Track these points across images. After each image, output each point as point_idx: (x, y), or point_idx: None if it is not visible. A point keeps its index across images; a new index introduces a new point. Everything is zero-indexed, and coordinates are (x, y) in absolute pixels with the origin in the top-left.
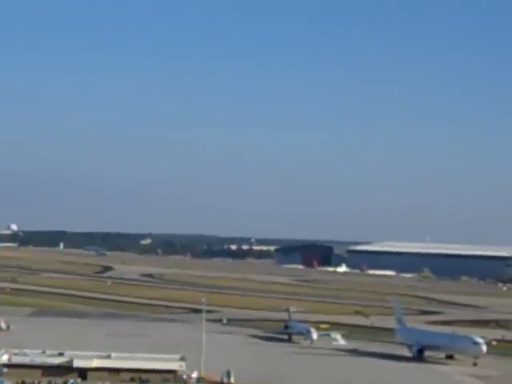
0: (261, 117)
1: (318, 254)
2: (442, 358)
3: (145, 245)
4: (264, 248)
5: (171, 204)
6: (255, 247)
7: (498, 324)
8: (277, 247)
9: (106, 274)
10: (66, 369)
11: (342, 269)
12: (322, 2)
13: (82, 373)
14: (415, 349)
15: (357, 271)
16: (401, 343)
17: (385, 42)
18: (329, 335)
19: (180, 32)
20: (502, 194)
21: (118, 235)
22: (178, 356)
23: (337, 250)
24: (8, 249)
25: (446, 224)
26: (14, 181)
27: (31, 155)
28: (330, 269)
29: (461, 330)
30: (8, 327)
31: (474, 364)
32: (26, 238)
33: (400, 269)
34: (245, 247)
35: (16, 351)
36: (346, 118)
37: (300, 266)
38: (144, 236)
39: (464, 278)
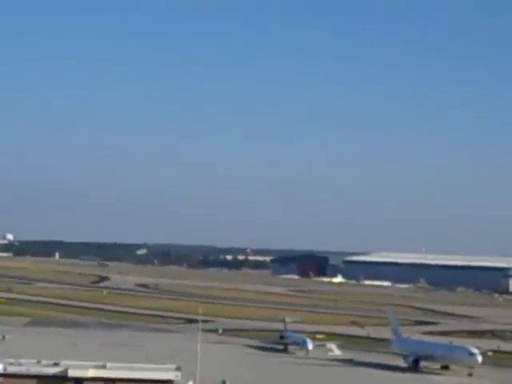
0: (258, 126)
1: (314, 264)
2: (437, 369)
3: (140, 255)
4: (260, 258)
5: (167, 214)
6: (251, 257)
7: (494, 335)
8: (273, 258)
9: (101, 284)
10: (62, 379)
11: (338, 279)
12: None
13: (78, 383)
14: (411, 359)
15: (353, 282)
16: (396, 353)
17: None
18: (324, 345)
19: (181, 42)
20: (500, 205)
21: (113, 245)
22: (173, 366)
23: (333, 261)
24: (3, 258)
25: (442, 235)
26: (10, 191)
27: (28, 166)
28: (326, 279)
29: (457, 341)
30: (3, 337)
31: (470, 374)
32: (21, 248)
33: (396, 279)
34: (240, 257)
35: (11, 361)
36: (341, 128)
37: (296, 277)
38: (140, 246)
39: (460, 288)
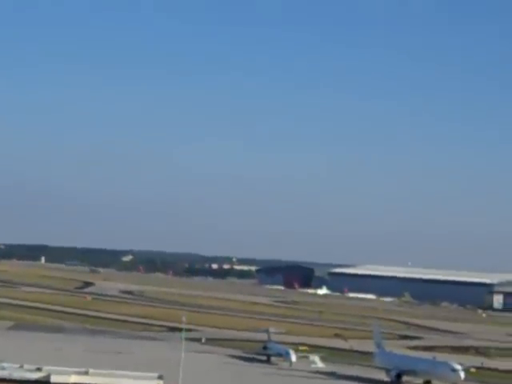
0: (247, 135)
1: (300, 275)
2: None
3: (126, 261)
4: (245, 268)
5: (153, 221)
6: (237, 267)
7: (477, 351)
8: (258, 267)
9: (86, 290)
10: None
11: (323, 291)
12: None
13: None
14: (393, 373)
15: (337, 294)
16: (379, 367)
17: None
18: (307, 357)
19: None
20: (486, 221)
21: (99, 251)
22: (156, 374)
23: (318, 272)
24: None
25: (428, 249)
26: None
27: (14, 169)
28: (311, 291)
29: (440, 356)
30: None
31: None
32: (7, 251)
33: (381, 293)
34: (226, 266)
35: None
36: (332, 140)
37: (281, 287)
38: (125, 253)
39: (444, 303)
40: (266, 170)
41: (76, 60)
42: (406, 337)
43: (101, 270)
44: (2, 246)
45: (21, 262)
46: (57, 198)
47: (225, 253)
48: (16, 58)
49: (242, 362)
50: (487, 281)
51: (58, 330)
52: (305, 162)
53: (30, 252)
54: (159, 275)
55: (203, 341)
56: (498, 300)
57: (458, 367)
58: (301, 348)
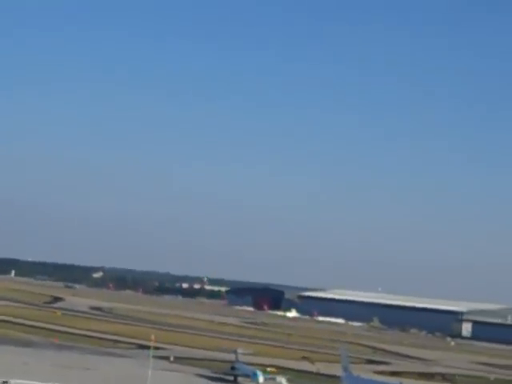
0: (222, 154)
1: (269, 297)
2: None
3: (96, 278)
4: (216, 288)
5: (125, 238)
6: (207, 287)
7: (444, 378)
8: (228, 288)
9: (55, 305)
10: None
11: (292, 314)
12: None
13: None
14: None
15: (307, 317)
16: None
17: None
18: (274, 379)
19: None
20: (455, 250)
21: (70, 267)
22: None
23: (288, 295)
24: None
25: (398, 275)
26: None
27: None
28: (280, 313)
29: (407, 382)
30: None
31: None
32: None
33: (350, 317)
34: (196, 286)
35: None
36: (301, 167)
37: (250, 309)
38: (96, 269)
39: (413, 330)
40: (241, 192)
41: (65, 69)
42: (373, 361)
43: (76, 286)
44: None
45: None
46: (29, 213)
47: (195, 273)
48: None
49: (209, 382)
50: (456, 309)
51: (26, 344)
52: (277, 185)
53: (0, 266)
54: (129, 293)
55: (171, 359)
56: (466, 328)
57: None
58: (268, 369)
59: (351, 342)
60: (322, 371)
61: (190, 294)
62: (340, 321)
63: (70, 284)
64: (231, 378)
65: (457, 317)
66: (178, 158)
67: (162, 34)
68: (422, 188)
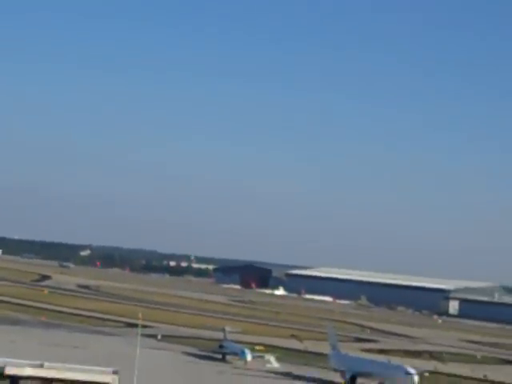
0: (206, 132)
1: (257, 275)
2: None
3: (84, 256)
4: (203, 266)
5: (113, 217)
6: (194, 265)
7: (431, 356)
8: (216, 266)
9: (43, 283)
10: None
11: (280, 292)
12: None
13: (14, 381)
14: (348, 375)
15: (294, 295)
16: (334, 369)
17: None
18: (263, 357)
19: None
20: (444, 229)
21: (58, 245)
22: (111, 369)
23: (275, 273)
24: None
25: (385, 253)
26: None
27: None
28: (268, 291)
29: (395, 360)
30: None
31: None
32: None
33: (337, 295)
34: (184, 264)
35: None
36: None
37: (238, 287)
38: (84, 247)
39: (400, 308)
40: (228, 171)
41: (60, 60)
42: (360, 339)
43: (71, 265)
44: None
45: None
46: (16, 192)
47: (183, 251)
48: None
49: (197, 360)
50: (443, 287)
51: (14, 322)
52: (264, 163)
53: None
54: (116, 271)
55: (159, 337)
56: (453, 306)
57: (412, 371)
58: (256, 348)
59: (339, 320)
60: (310, 349)
61: (178, 272)
62: (328, 299)
63: (64, 263)
64: (219, 356)
65: (444, 295)
66: (165, 137)
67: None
68: (410, 169)
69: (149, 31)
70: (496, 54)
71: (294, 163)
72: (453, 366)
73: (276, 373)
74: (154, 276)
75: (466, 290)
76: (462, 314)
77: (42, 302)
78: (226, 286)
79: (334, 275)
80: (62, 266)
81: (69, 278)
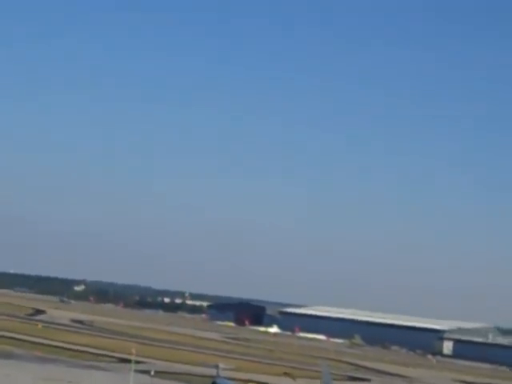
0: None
1: (251, 313)
2: None
3: (78, 291)
4: (197, 303)
5: (108, 252)
6: (189, 302)
7: None
8: (210, 303)
9: (37, 317)
10: None
11: (274, 329)
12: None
13: None
14: None
15: (288, 333)
16: None
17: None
18: None
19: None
20: (437, 268)
21: (51, 279)
22: None
23: (269, 311)
24: None
25: (379, 293)
26: None
27: None
28: (262, 329)
29: None
30: None
31: None
32: None
33: (331, 333)
34: (178, 301)
35: None
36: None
37: (232, 324)
38: (78, 282)
39: (394, 347)
40: (223, 208)
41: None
42: (354, 378)
43: (72, 301)
44: None
45: None
46: (9, 223)
47: (177, 287)
48: None
49: None
50: (437, 327)
51: (8, 356)
52: (256, 199)
53: None
54: (110, 306)
55: (152, 373)
56: (447, 346)
57: None
58: None
59: (333, 359)
60: None
61: (172, 308)
62: (321, 337)
63: (64, 299)
64: None
65: (438, 335)
66: (162, 169)
67: None
68: (404, 204)
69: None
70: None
71: (291, 200)
72: None
73: None
74: (147, 312)
75: (460, 330)
76: (456, 355)
77: (36, 336)
78: (220, 323)
79: (328, 314)
80: (62, 301)
81: (63, 312)
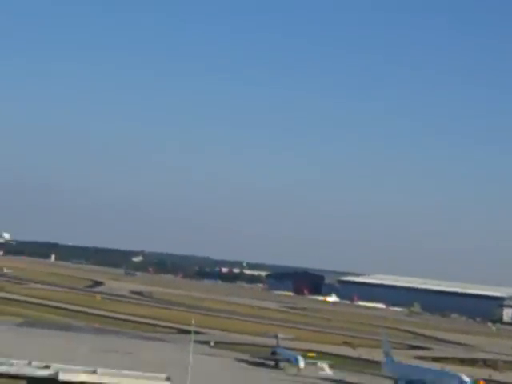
0: (255, 144)
1: (309, 282)
2: None
3: (136, 262)
4: (255, 273)
5: (165, 223)
6: (246, 271)
7: (486, 364)
8: (268, 273)
9: (96, 289)
10: (52, 381)
11: (332, 298)
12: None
13: None
14: (401, 383)
15: (347, 302)
16: (387, 377)
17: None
18: (316, 364)
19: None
20: (497, 236)
21: (110, 251)
22: (164, 375)
23: (328, 280)
24: None
25: (438, 260)
26: (9, 191)
27: (33, 168)
28: (320, 298)
29: (448, 368)
30: None
31: None
32: (17, 248)
33: (390, 302)
34: (236, 271)
35: (1, 360)
36: (344, 147)
37: (290, 293)
38: (136, 253)
39: (454, 315)
40: (279, 177)
41: (71, 58)
42: (414, 347)
43: (137, 273)
44: (14, 243)
45: (30, 258)
46: (70, 198)
47: (235, 257)
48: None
49: (250, 367)
50: (498, 294)
51: (67, 328)
52: (316, 168)
53: (40, 249)
54: (169, 277)
55: (212, 344)
56: (507, 314)
57: (467, 379)
58: (309, 354)
59: (392, 328)
60: (363, 356)
61: (230, 278)
62: (380, 306)
63: (130, 271)
64: (272, 363)
65: (498, 302)
66: (217, 146)
67: None
68: (464, 174)
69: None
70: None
71: (352, 169)
72: (508, 375)
73: (329, 380)
74: (206, 282)
75: None
76: None
77: (95, 308)
78: (278, 292)
79: (387, 282)
80: (127, 273)
81: (121, 284)
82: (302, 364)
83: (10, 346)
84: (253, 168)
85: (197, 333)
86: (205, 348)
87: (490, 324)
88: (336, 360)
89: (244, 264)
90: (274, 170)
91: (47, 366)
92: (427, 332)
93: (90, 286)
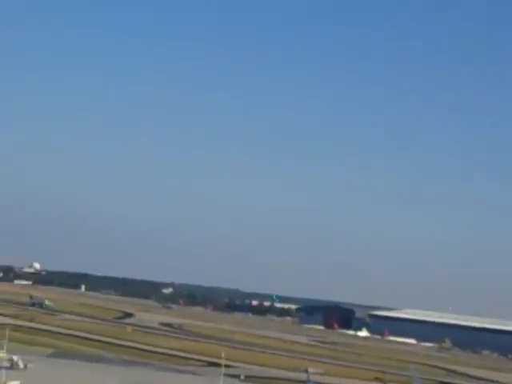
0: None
1: (340, 316)
2: None
3: (166, 294)
4: (285, 306)
5: (195, 255)
6: (277, 304)
7: None
8: (298, 306)
9: (126, 321)
10: None
11: (363, 333)
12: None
13: None
14: None
15: (377, 336)
16: None
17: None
18: None
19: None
20: None
21: (140, 282)
22: None
23: (358, 314)
24: (29, 287)
25: (469, 295)
26: (40, 221)
27: (59, 198)
28: (351, 332)
29: None
30: (25, 366)
31: None
32: (47, 278)
33: (421, 337)
34: (266, 304)
35: None
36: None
37: (320, 327)
38: (166, 285)
39: (485, 351)
40: (311, 210)
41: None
42: (444, 383)
43: (173, 306)
44: (44, 273)
45: (60, 289)
46: (97, 226)
47: (265, 290)
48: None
49: None
50: None
51: (97, 359)
52: (345, 202)
53: (71, 280)
54: (199, 309)
55: (242, 377)
56: None
57: None
58: None
59: (423, 363)
60: None
61: (260, 311)
62: (411, 341)
63: (167, 304)
64: None
65: None
66: (235, 179)
67: None
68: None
69: None
70: None
71: (379, 203)
72: None
73: None
74: (236, 315)
75: None
76: None
77: (125, 339)
78: (308, 326)
79: (418, 317)
80: (165, 307)
81: (152, 315)
82: None
83: (39, 377)
84: (283, 199)
85: (227, 366)
86: (235, 382)
87: None
88: None
89: (274, 297)
90: (304, 200)
91: None
92: (458, 368)
93: (120, 318)
